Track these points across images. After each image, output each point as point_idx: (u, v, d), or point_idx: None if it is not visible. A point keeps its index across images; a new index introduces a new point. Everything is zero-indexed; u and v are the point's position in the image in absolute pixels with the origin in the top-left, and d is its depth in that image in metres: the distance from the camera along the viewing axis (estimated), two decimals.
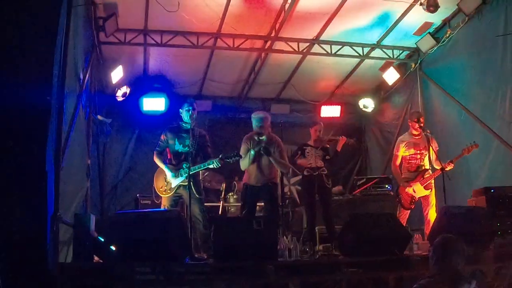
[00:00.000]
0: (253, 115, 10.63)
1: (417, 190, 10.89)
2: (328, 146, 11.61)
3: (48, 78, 7.17)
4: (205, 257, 8.95)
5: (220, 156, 9.50)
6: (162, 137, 10.04)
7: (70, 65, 8.33)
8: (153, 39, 12.70)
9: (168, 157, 9.94)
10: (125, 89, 13.52)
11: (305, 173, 11.56)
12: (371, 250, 8.03)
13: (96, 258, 8.03)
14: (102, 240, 8.05)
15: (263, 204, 10.93)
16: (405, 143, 11.19)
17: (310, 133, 11.86)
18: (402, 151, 11.20)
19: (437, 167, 10.77)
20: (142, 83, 14.68)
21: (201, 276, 7.43)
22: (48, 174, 6.91)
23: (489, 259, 8.51)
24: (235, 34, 13.00)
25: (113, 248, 7.55)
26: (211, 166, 9.62)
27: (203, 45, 13.03)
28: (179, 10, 11.31)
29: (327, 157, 11.50)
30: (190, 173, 9.40)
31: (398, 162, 11.31)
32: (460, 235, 8.30)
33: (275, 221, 8.46)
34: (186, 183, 9.39)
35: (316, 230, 11.68)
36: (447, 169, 10.44)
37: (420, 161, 11.06)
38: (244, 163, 10.33)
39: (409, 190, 10.91)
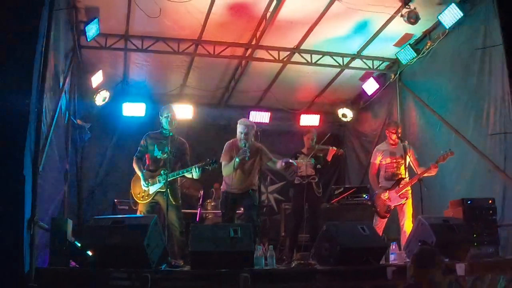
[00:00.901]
0: (240, 122, 10.48)
1: (393, 198, 10.96)
2: (320, 155, 11.61)
3: (27, 81, 7.16)
4: (182, 264, 8.95)
5: (198, 165, 9.51)
6: (142, 142, 10.05)
7: (50, 68, 8.32)
8: (134, 44, 12.68)
9: (147, 163, 9.94)
10: (104, 94, 13.47)
11: (295, 181, 11.59)
12: (347, 259, 8.05)
13: (72, 263, 8.00)
14: (79, 245, 8.03)
15: (242, 211, 10.92)
16: (382, 152, 11.30)
17: (303, 141, 11.89)
18: (379, 160, 11.30)
19: (418, 171, 10.88)
20: (122, 88, 14.66)
21: (177, 283, 7.42)
22: (26, 178, 6.90)
23: (465, 271, 8.55)
24: (216, 41, 13.02)
25: (89, 253, 7.53)
26: (189, 175, 9.63)
27: (183, 51, 13.03)
28: (160, 16, 11.34)
29: (318, 166, 11.52)
30: (168, 179, 9.40)
31: (375, 170, 11.40)
32: (436, 246, 8.41)
33: (252, 228, 8.42)
34: (164, 190, 9.39)
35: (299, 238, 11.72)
36: (425, 175, 10.52)
37: (397, 170, 11.15)
38: (227, 170, 10.23)
39: (385, 196, 10.96)
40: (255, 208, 10.26)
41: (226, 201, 10.39)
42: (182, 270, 8.05)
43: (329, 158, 11.51)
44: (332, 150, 11.49)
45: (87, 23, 11.27)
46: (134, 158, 10.04)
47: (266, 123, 15.88)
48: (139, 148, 10.09)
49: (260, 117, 16.13)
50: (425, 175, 10.59)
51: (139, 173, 9.85)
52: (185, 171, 9.61)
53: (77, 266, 7.98)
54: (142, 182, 9.73)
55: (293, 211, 12.17)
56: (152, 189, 9.64)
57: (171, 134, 9.89)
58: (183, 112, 14.66)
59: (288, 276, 8.03)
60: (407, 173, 11.13)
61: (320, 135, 11.98)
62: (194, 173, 9.56)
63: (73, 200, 12.90)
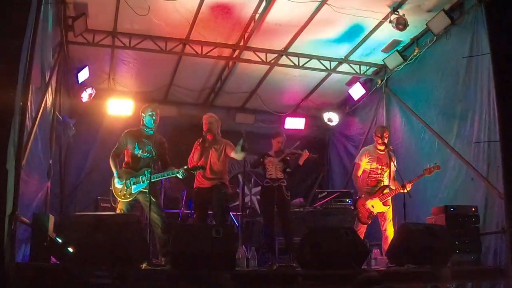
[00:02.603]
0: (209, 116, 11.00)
1: (376, 205, 10.97)
2: (288, 158, 11.57)
3: (13, 74, 7.11)
4: (163, 262, 8.93)
5: (185, 168, 9.54)
6: (122, 139, 9.98)
7: (36, 63, 8.27)
8: (121, 41, 12.64)
9: (126, 161, 9.90)
10: (90, 91, 13.43)
11: (264, 183, 11.55)
12: (329, 263, 8.05)
13: (53, 259, 7.96)
14: (60, 241, 7.99)
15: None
16: (369, 155, 11.27)
17: (271, 143, 11.85)
18: (365, 162, 11.27)
19: (393, 186, 10.91)
20: (109, 85, 14.62)
21: (157, 282, 7.39)
22: (8, 172, 6.85)
23: (447, 277, 8.58)
24: (204, 41, 13.00)
25: (70, 249, 7.49)
26: (174, 176, 9.63)
27: (171, 50, 13.00)
28: (149, 14, 11.31)
29: (288, 169, 11.49)
30: (152, 180, 9.37)
31: (360, 172, 11.39)
32: (418, 252, 8.43)
33: (234, 230, 8.43)
34: (147, 190, 9.35)
35: (276, 241, 11.69)
36: (407, 189, 10.55)
37: (380, 177, 11.16)
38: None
39: (368, 204, 10.96)
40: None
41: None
42: (163, 270, 8.05)
43: (300, 162, 11.46)
44: (305, 154, 11.44)
45: (74, 19, 11.24)
46: (112, 153, 9.96)
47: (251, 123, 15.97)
48: (117, 144, 10.02)
49: (245, 118, 16.20)
50: (408, 188, 10.60)
51: (113, 170, 9.78)
52: (170, 173, 9.60)
53: (58, 262, 7.94)
54: (116, 180, 9.68)
55: (262, 213, 12.13)
56: (135, 188, 9.58)
57: (151, 133, 9.85)
58: (168, 111, 14.64)
59: (269, 279, 8.02)
60: (390, 181, 11.13)
61: (305, 138, 11.98)
62: (179, 174, 9.56)
63: (55, 196, 12.82)
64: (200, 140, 10.68)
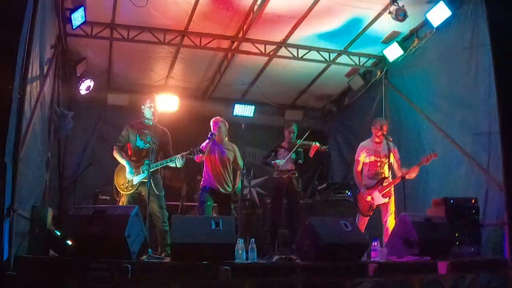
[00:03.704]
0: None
1: (376, 197, 10.95)
2: (301, 150, 11.56)
3: (11, 67, 7.08)
4: (163, 255, 8.93)
5: (182, 154, 9.54)
6: (123, 132, 10.01)
7: (34, 55, 8.23)
8: (119, 33, 12.58)
9: (129, 153, 9.90)
10: (88, 83, 13.40)
11: (275, 175, 11.57)
12: (328, 255, 8.02)
13: (51, 252, 7.95)
14: (59, 234, 7.97)
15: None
16: (366, 149, 11.25)
17: (284, 135, 11.88)
18: (363, 157, 11.25)
19: (391, 177, 10.91)
20: (107, 77, 14.58)
21: (156, 274, 7.38)
22: (7, 165, 6.83)
23: (447, 269, 8.56)
24: (202, 33, 12.95)
25: (69, 242, 7.47)
26: (172, 164, 9.63)
27: (169, 42, 12.94)
28: (147, 6, 11.25)
29: (300, 161, 11.50)
30: (151, 170, 9.38)
31: (359, 167, 11.35)
32: (418, 244, 8.42)
33: (233, 222, 8.41)
34: (147, 180, 9.35)
35: (277, 233, 11.70)
36: (407, 177, 10.53)
37: (380, 169, 11.12)
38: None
39: (368, 198, 10.96)
40: None
41: None
42: (162, 262, 8.03)
43: (311, 154, 11.47)
44: (315, 146, 11.45)
45: (72, 11, 11.19)
46: (114, 147, 10.00)
47: (250, 116, 15.96)
48: (119, 137, 10.06)
49: (244, 110, 16.17)
50: (407, 177, 10.58)
51: (123, 161, 9.81)
52: (168, 161, 9.63)
53: (56, 255, 7.92)
54: (129, 170, 9.69)
55: (271, 205, 12.16)
56: (136, 179, 9.59)
57: (152, 123, 9.85)
58: (168, 103, 14.61)
59: (268, 271, 8.00)
60: (390, 172, 11.11)
61: (304, 130, 11.93)
62: (178, 162, 9.59)
63: (54, 189, 12.81)
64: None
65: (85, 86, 13.38)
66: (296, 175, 11.54)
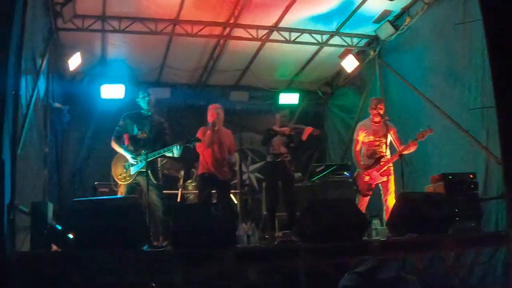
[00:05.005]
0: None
1: (374, 176, 11.00)
2: (292, 133, 11.59)
3: (3, 63, 7.07)
4: (165, 244, 8.95)
5: (179, 142, 9.56)
6: (121, 123, 10.03)
7: (27, 51, 8.24)
8: (111, 25, 12.56)
9: (126, 143, 9.90)
10: (77, 58, 13.31)
11: (268, 159, 11.60)
12: (330, 236, 8.05)
13: (54, 246, 7.96)
14: (60, 228, 7.98)
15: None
16: (365, 129, 11.26)
17: (275, 119, 11.89)
18: (362, 137, 11.26)
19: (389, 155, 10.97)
20: (101, 69, 14.55)
21: (159, 263, 7.39)
22: (5, 162, 6.83)
23: (448, 245, 8.59)
24: (194, 20, 12.93)
25: (70, 236, 7.48)
26: (169, 154, 9.65)
27: (161, 31, 12.93)
28: None
29: (292, 144, 11.52)
30: (149, 159, 9.39)
31: (358, 147, 11.38)
32: (418, 221, 8.43)
33: (234, 207, 8.45)
34: (145, 170, 9.37)
35: (276, 217, 11.74)
36: (405, 152, 10.54)
37: (379, 148, 11.13)
38: None
39: (366, 178, 10.99)
40: None
41: None
42: (165, 250, 8.05)
43: (304, 137, 11.52)
44: (308, 129, 11.51)
45: (63, 5, 11.15)
46: (112, 138, 10.01)
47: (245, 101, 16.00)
48: (117, 128, 10.06)
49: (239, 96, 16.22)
50: (405, 152, 10.60)
51: (121, 150, 9.82)
52: (166, 150, 9.63)
53: (59, 249, 7.93)
54: (129, 156, 9.72)
55: (267, 188, 12.20)
56: (134, 169, 9.61)
57: (149, 113, 9.87)
58: (162, 92, 14.65)
59: (271, 254, 8.03)
60: (388, 151, 11.13)
61: (300, 113, 11.97)
62: (175, 151, 9.60)
63: (53, 184, 12.83)
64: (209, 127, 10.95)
65: (74, 61, 13.25)
66: (289, 158, 11.55)
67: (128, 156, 9.73)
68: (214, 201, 11.32)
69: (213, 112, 11.04)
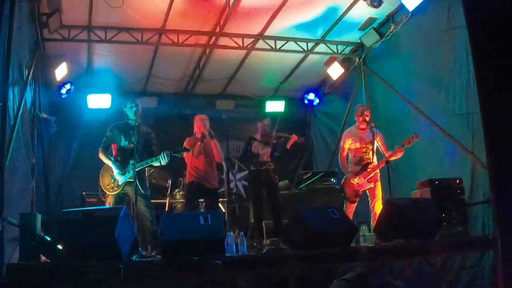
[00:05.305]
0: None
1: (361, 183, 11.07)
2: (275, 141, 11.61)
3: None
4: (154, 253, 8.96)
5: (167, 152, 9.58)
6: (108, 133, 10.05)
7: (14, 61, 8.23)
8: (97, 35, 12.57)
9: (114, 154, 9.92)
10: (69, 86, 13.36)
11: (252, 168, 11.61)
12: (318, 243, 8.08)
13: (43, 257, 7.95)
14: (49, 239, 7.98)
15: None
16: (351, 136, 11.35)
17: (257, 127, 11.90)
18: (348, 144, 11.34)
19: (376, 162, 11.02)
20: (87, 80, 14.54)
21: (149, 273, 7.40)
22: None
23: (435, 250, 8.65)
24: (180, 30, 12.95)
25: (60, 247, 7.48)
26: (157, 164, 9.67)
27: (147, 41, 12.96)
28: (123, 6, 11.24)
29: (276, 153, 11.55)
30: (136, 169, 9.42)
31: (344, 154, 11.46)
32: (405, 227, 8.48)
33: (222, 216, 8.45)
34: (133, 180, 9.39)
35: (263, 225, 11.75)
36: (392, 158, 10.60)
37: (366, 155, 11.21)
38: None
39: (354, 181, 11.04)
40: None
41: None
42: (154, 260, 8.04)
43: (288, 146, 11.55)
44: (293, 137, 11.54)
45: (49, 15, 11.17)
46: (100, 149, 10.04)
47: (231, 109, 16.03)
48: (104, 139, 10.09)
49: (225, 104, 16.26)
50: (392, 158, 10.66)
51: (108, 162, 9.86)
52: (154, 159, 9.66)
53: (48, 260, 7.93)
54: (116, 170, 9.75)
55: (252, 197, 12.21)
56: (122, 179, 9.63)
57: (137, 124, 9.88)
58: (148, 102, 14.67)
59: (260, 262, 8.04)
60: (375, 157, 11.20)
61: (286, 121, 12.00)
62: (162, 161, 9.61)
63: (40, 195, 12.80)
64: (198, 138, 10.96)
65: (65, 89, 13.34)
66: (272, 166, 11.57)
67: (115, 170, 9.77)
68: (202, 210, 11.36)
69: (200, 124, 11.06)
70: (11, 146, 8.02)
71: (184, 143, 10.81)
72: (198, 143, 10.80)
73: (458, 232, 9.61)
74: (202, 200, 11.40)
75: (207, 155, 11.03)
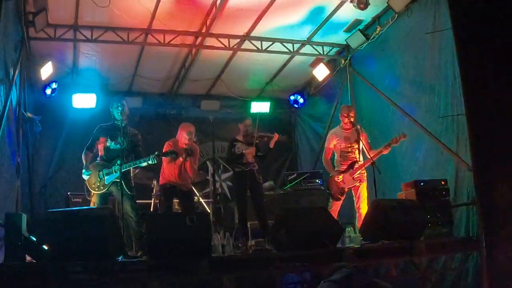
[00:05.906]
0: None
1: (347, 180, 11.11)
2: (258, 142, 11.60)
3: None
4: (139, 254, 8.95)
5: (156, 153, 9.59)
6: (94, 134, 10.01)
7: None
8: (83, 34, 12.52)
9: (100, 154, 9.91)
10: (54, 85, 13.33)
11: (236, 169, 11.59)
12: (304, 244, 8.10)
13: (28, 258, 7.93)
14: (34, 239, 7.96)
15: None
16: (336, 137, 11.38)
17: (239, 128, 11.89)
18: (333, 145, 11.39)
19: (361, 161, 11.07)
20: (72, 79, 14.49)
21: (134, 274, 7.39)
22: None
23: (421, 251, 8.70)
24: (166, 30, 12.94)
25: (45, 247, 7.46)
26: (144, 164, 9.66)
27: (133, 41, 12.93)
28: (110, 6, 11.22)
29: (259, 153, 11.54)
30: (123, 170, 9.40)
31: (329, 155, 11.50)
32: (391, 228, 8.52)
33: (208, 216, 8.46)
34: (119, 180, 9.37)
35: (249, 226, 11.75)
36: (385, 152, 10.67)
37: (352, 155, 11.26)
38: None
39: (339, 178, 11.10)
40: None
41: None
42: (140, 261, 8.05)
43: (271, 145, 11.53)
44: (275, 136, 11.52)
45: (35, 14, 11.14)
46: (85, 149, 9.99)
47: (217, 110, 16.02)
48: (90, 139, 10.04)
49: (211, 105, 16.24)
50: (377, 156, 10.72)
51: (84, 163, 9.83)
52: (142, 161, 9.66)
53: (33, 261, 7.91)
54: (83, 171, 9.76)
55: (236, 198, 12.20)
56: (108, 179, 9.61)
57: (123, 125, 9.86)
58: (133, 102, 14.61)
59: (247, 263, 8.06)
60: (361, 156, 11.24)
61: (272, 121, 12.00)
62: (150, 161, 9.61)
63: (25, 195, 12.75)
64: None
65: (50, 89, 13.32)
66: (257, 167, 11.57)
67: (83, 171, 9.79)
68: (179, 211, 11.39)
69: (186, 137, 10.98)
70: None
71: (165, 147, 10.80)
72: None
73: (443, 233, 9.67)
74: (177, 200, 11.41)
75: (184, 161, 10.98)
